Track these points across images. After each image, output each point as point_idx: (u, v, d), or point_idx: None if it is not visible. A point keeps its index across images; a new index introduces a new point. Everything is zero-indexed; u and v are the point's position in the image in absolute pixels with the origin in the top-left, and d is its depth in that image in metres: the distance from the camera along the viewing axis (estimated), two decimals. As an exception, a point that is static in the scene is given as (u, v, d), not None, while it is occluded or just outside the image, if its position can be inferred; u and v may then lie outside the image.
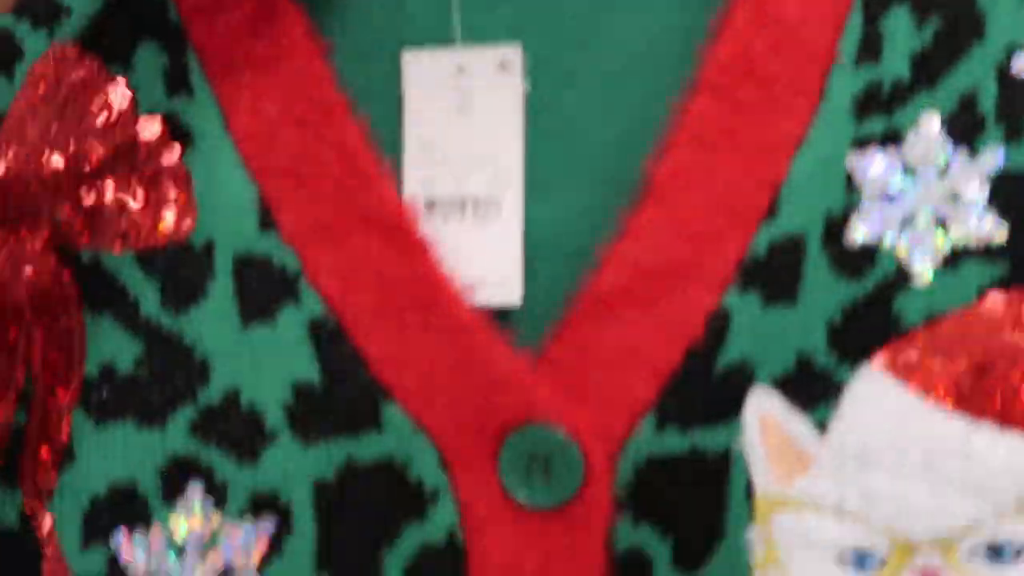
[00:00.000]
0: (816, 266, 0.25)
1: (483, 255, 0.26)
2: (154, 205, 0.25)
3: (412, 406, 0.25)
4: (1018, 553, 0.23)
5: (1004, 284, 0.24)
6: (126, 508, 0.25)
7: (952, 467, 0.23)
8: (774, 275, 0.25)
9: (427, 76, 0.27)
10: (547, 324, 0.25)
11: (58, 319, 0.25)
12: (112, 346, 0.26)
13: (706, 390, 0.25)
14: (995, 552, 0.23)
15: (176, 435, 0.25)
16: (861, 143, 0.25)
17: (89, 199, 0.26)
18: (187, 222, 0.26)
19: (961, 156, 0.25)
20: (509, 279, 0.26)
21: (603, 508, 0.24)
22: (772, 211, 0.25)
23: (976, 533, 0.23)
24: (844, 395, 0.24)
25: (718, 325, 0.25)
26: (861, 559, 0.24)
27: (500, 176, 0.27)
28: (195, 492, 0.25)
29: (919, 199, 0.25)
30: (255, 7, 0.26)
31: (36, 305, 0.25)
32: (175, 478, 0.25)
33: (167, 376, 0.25)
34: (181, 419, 0.25)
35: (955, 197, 0.25)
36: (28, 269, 0.25)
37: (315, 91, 0.26)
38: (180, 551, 0.24)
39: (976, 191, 0.24)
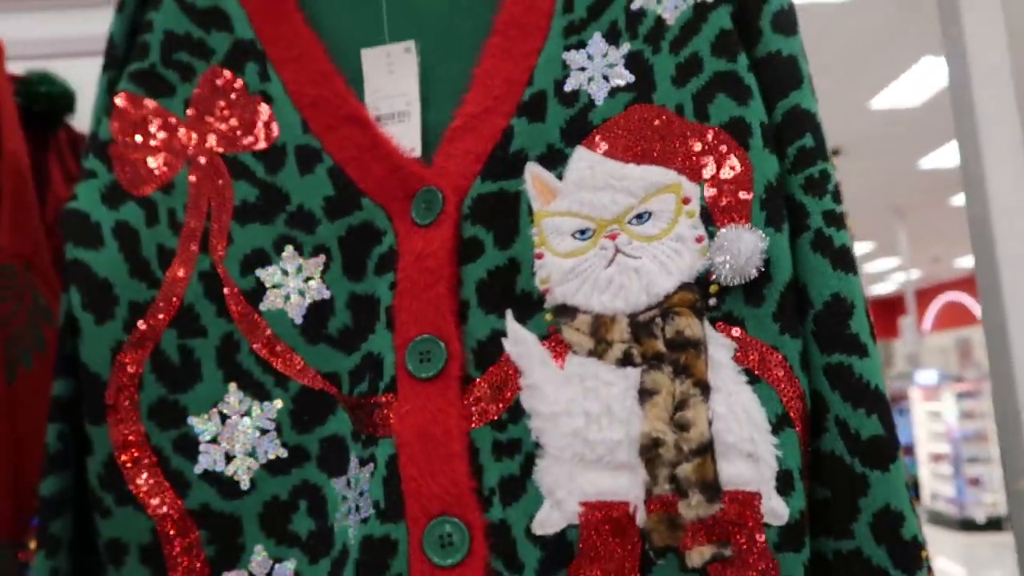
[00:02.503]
0: (552, 103, 0.53)
1: (402, 137, 0.55)
2: (257, 130, 0.55)
3: (375, 196, 0.54)
4: (649, 215, 0.50)
5: (635, 102, 0.52)
6: (260, 258, 0.54)
7: (616, 182, 0.51)
8: (534, 109, 0.53)
9: (373, 58, 0.57)
10: (431, 155, 0.54)
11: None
12: (245, 193, 0.55)
13: (505, 164, 0.53)
14: (639, 217, 0.50)
15: (278, 227, 0.54)
16: (567, 47, 0.54)
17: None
18: (275, 136, 0.55)
19: (612, 48, 0.53)
20: (415, 146, 0.56)
21: (452, 219, 0.51)
22: (530, 81, 0.54)
23: (630, 211, 0.50)
24: (569, 161, 0.52)
25: (508, 134, 0.53)
26: (583, 232, 0.50)
27: (408, 102, 0.57)
28: (289, 249, 0.54)
29: (595, 68, 0.53)
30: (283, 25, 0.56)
31: None
32: (280, 244, 0.54)
33: (272, 201, 0.54)
34: (280, 220, 0.54)
35: (611, 65, 0.53)
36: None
37: (321, 68, 0.56)
38: (286, 272, 0.54)
39: (619, 61, 0.53)
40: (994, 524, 6.30)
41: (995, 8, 0.54)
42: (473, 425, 0.47)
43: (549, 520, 0.45)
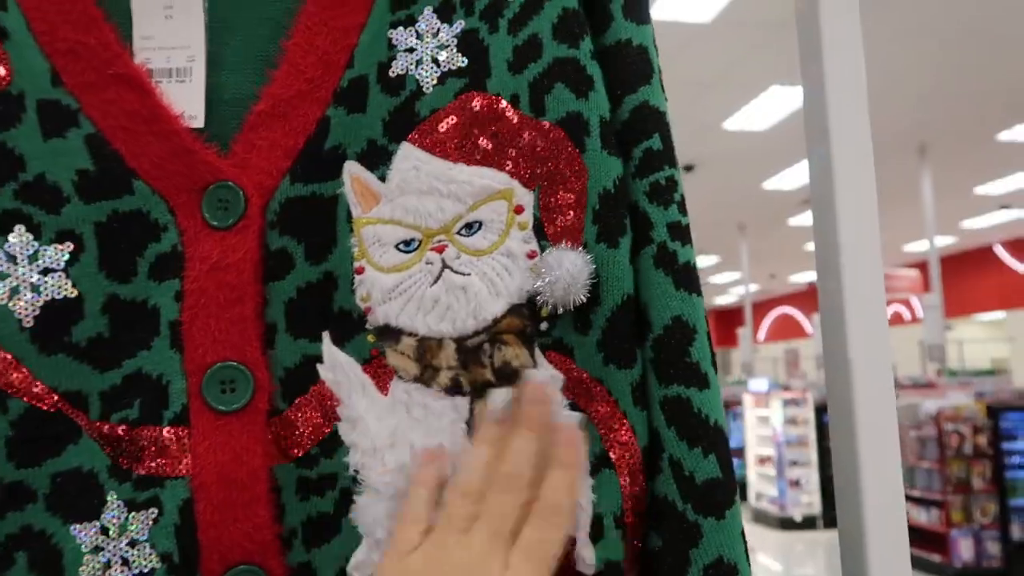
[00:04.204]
0: (375, 91, 0.45)
1: (181, 102, 0.45)
2: None
3: (151, 180, 0.43)
4: (479, 225, 0.44)
5: (466, 89, 0.45)
6: None
7: (443, 186, 0.44)
8: (353, 98, 0.45)
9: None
10: (226, 138, 0.44)
11: None
12: None
13: (319, 162, 0.44)
14: (468, 227, 0.44)
15: (5, 199, 0.42)
16: (394, 24, 0.46)
17: None
18: (4, 79, 0.43)
19: (444, 25, 0.46)
20: (197, 114, 0.45)
21: (257, 225, 0.43)
22: (350, 63, 0.46)
23: (459, 220, 0.44)
24: (393, 159, 0.44)
25: (324, 126, 0.45)
26: (407, 244, 0.44)
27: (190, 58, 0.46)
28: (20, 229, 0.42)
29: (424, 49, 0.46)
30: None
31: None
32: (6, 222, 0.42)
33: None
34: (8, 190, 0.42)
35: (441, 47, 0.46)
36: None
37: (81, 8, 0.44)
38: (13, 259, 0.42)
39: (451, 41, 0.46)
40: (809, 523, 6.83)
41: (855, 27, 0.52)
42: (278, 462, 0.42)
43: (368, 561, 0.41)
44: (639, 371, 0.43)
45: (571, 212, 0.43)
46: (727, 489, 0.42)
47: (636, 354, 0.43)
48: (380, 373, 0.43)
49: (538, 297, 0.42)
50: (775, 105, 5.83)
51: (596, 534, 0.41)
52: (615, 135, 0.45)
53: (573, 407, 0.42)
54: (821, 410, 6.96)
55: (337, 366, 0.43)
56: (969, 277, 11.85)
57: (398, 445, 0.42)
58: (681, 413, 0.42)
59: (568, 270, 0.41)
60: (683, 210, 0.45)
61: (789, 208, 9.04)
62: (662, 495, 0.43)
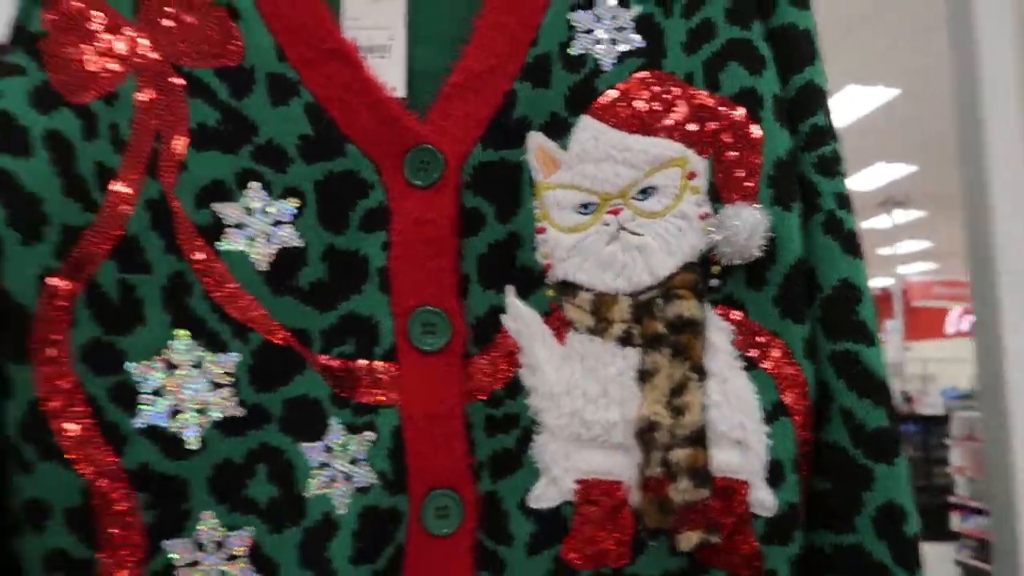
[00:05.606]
0: (556, 67, 0.50)
1: (383, 75, 0.50)
2: (221, 47, 0.49)
3: (361, 144, 0.49)
4: (654, 190, 0.48)
5: (643, 68, 0.49)
6: (220, 192, 0.47)
7: (621, 155, 0.48)
8: (538, 73, 0.50)
9: (355, -14, 0.52)
10: (422, 107, 0.49)
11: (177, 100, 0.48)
12: (203, 115, 0.48)
13: (507, 131, 0.49)
14: (643, 192, 0.48)
15: (243, 159, 0.48)
16: (573, 7, 0.51)
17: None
18: (238, 54, 0.49)
19: (622, 9, 0.50)
20: (398, 86, 0.51)
21: (453, 186, 0.48)
22: (535, 42, 0.50)
23: (635, 185, 0.48)
24: (573, 130, 0.49)
25: (511, 99, 0.49)
26: (585, 207, 0.48)
27: (391, 37, 0.51)
28: (256, 186, 0.48)
29: (602, 31, 0.50)
30: None
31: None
32: (244, 179, 0.48)
33: (235, 129, 0.48)
34: (245, 151, 0.48)
35: (620, 29, 0.50)
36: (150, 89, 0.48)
37: None
38: (251, 211, 0.47)
39: (628, 24, 0.50)
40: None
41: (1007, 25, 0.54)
42: (469, 400, 0.47)
43: (545, 495, 0.46)
44: (809, 328, 0.47)
45: (746, 177, 0.47)
46: (895, 439, 0.46)
47: (806, 312, 0.47)
48: (558, 325, 0.47)
49: (715, 250, 0.46)
50: (852, 105, 5.71)
51: (777, 479, 0.45)
52: (785, 111, 0.49)
53: (745, 358, 0.46)
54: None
55: (520, 317, 0.47)
56: (1052, 286, 11.33)
57: (572, 392, 0.46)
58: (850, 367, 0.46)
59: (747, 221, 0.45)
60: (844, 181, 0.49)
61: (864, 210, 8.82)
62: (831, 441, 0.46)
